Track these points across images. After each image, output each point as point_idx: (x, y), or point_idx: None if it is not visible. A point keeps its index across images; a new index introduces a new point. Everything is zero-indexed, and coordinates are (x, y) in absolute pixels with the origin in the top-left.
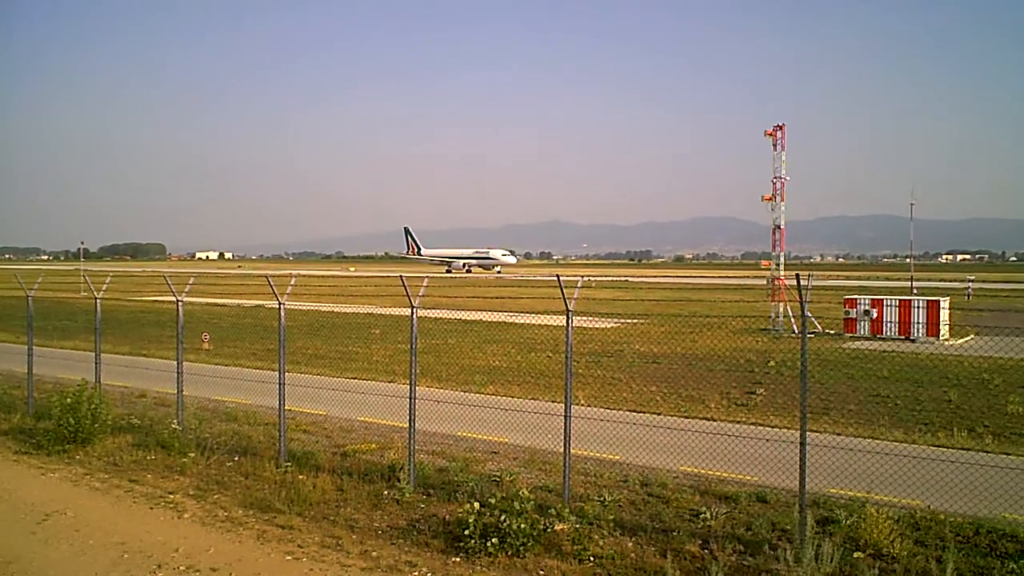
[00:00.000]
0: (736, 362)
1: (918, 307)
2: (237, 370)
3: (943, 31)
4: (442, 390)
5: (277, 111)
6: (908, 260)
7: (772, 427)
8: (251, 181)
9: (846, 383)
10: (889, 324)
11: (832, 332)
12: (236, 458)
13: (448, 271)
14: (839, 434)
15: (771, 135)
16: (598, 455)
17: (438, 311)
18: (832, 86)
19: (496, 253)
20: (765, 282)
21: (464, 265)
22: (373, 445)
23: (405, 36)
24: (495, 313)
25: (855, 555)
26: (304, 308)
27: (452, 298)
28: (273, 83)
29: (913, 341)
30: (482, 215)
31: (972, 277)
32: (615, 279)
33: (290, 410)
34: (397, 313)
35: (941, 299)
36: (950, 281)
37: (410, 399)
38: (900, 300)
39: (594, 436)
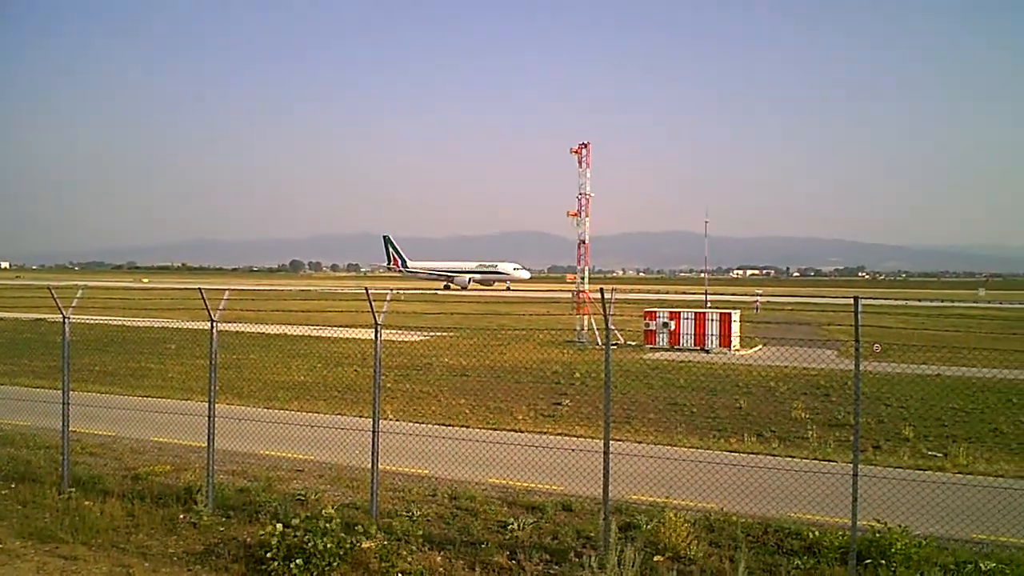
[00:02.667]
0: (543, 374)
1: (712, 320)
2: (15, 389)
3: (734, 55)
4: (244, 407)
5: (53, 104)
6: (703, 275)
7: (577, 437)
8: (30, 183)
9: (646, 392)
10: (686, 336)
11: (634, 344)
12: (12, 485)
13: (446, 287)
14: (640, 442)
15: (577, 152)
16: (407, 470)
17: (240, 324)
18: (637, 104)
19: (507, 267)
20: (571, 295)
21: (469, 281)
22: (168, 467)
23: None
24: (301, 327)
25: (655, 559)
26: (92, 321)
27: (257, 311)
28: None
29: (708, 352)
30: (288, 225)
31: (760, 291)
32: (424, 292)
33: (75, 431)
34: (195, 327)
35: (733, 312)
36: (741, 295)
37: (209, 416)
38: (696, 313)
39: (403, 451)
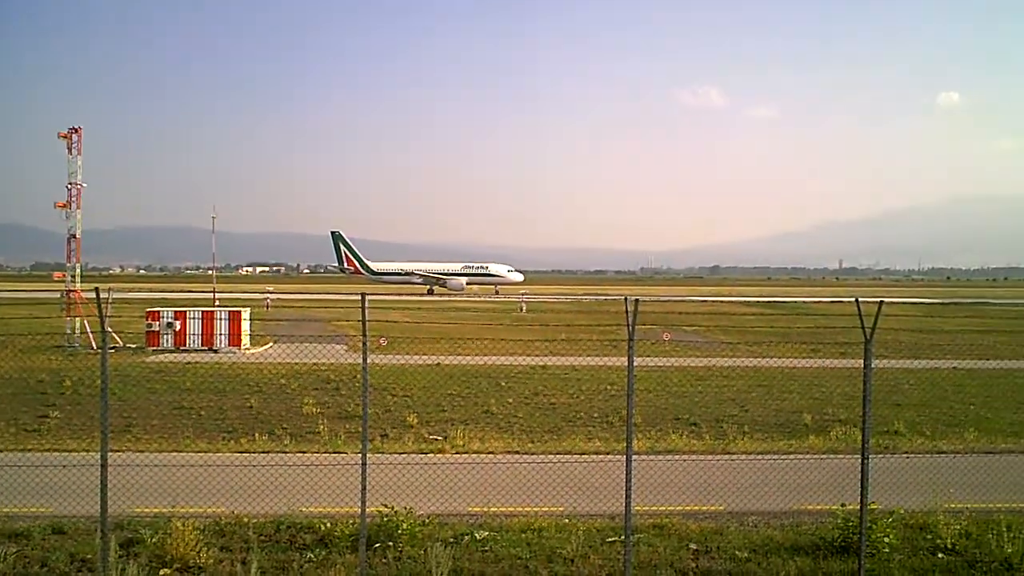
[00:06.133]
0: (26, 384)
1: (221, 318)
2: None
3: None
4: None
5: None
6: (211, 272)
7: (69, 451)
8: None
9: (149, 398)
10: (193, 336)
11: (135, 346)
12: None
13: (429, 292)
14: (142, 451)
15: (66, 137)
16: None
17: None
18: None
19: (499, 269)
20: (60, 295)
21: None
22: None
23: None
24: None
25: (161, 572)
26: None
27: None
28: None
29: (217, 351)
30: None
31: (272, 288)
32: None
33: None
34: None
35: (243, 310)
36: (251, 292)
37: None
38: (204, 311)
39: None
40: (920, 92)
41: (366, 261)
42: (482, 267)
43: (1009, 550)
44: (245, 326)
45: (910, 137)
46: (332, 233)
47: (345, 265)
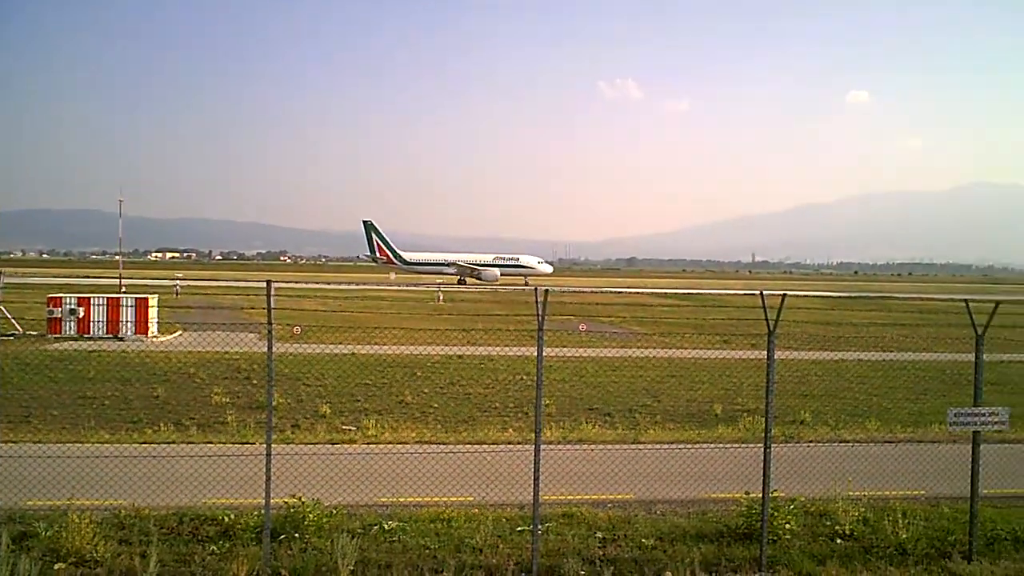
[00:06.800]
0: None
1: (127, 305)
2: None
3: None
4: None
5: None
6: (118, 257)
7: None
8: None
9: (49, 387)
10: (97, 323)
11: (35, 333)
12: None
13: (461, 282)
14: (40, 442)
15: None
16: None
17: None
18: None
19: (530, 260)
20: None
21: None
22: None
23: None
24: None
25: (56, 567)
26: None
27: None
28: None
29: (122, 339)
30: None
31: (180, 275)
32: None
33: None
34: None
35: (150, 297)
36: (160, 278)
37: None
38: (109, 298)
39: None
40: (831, 91)
41: (399, 251)
42: (514, 258)
43: (904, 536)
44: (153, 313)
45: (822, 134)
46: (364, 223)
47: (378, 255)
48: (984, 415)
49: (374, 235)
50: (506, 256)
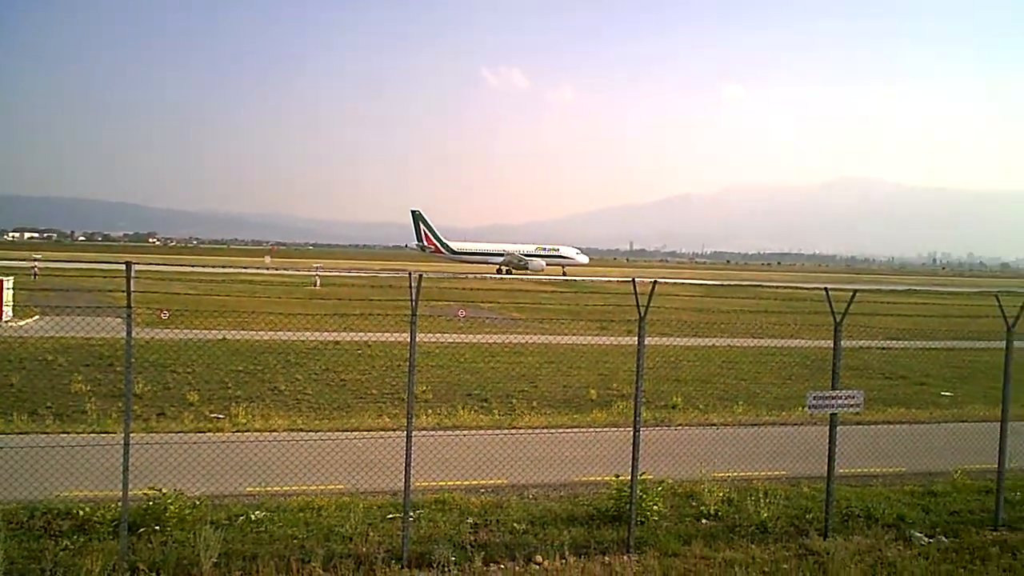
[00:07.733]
0: None
1: None
2: None
3: None
4: None
5: None
6: None
7: None
8: None
9: None
10: None
11: None
12: None
13: (507, 272)
14: None
15: None
16: None
17: None
18: None
19: (569, 251)
20: None
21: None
22: None
23: None
24: None
25: None
26: None
27: None
28: None
29: None
30: None
31: (39, 256)
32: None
33: None
34: None
35: (5, 279)
36: (17, 260)
37: None
38: None
39: None
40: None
41: (446, 241)
42: (554, 249)
43: (764, 514)
44: (8, 296)
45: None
46: (412, 212)
47: (425, 244)
48: (840, 398)
49: (422, 225)
50: (547, 247)
